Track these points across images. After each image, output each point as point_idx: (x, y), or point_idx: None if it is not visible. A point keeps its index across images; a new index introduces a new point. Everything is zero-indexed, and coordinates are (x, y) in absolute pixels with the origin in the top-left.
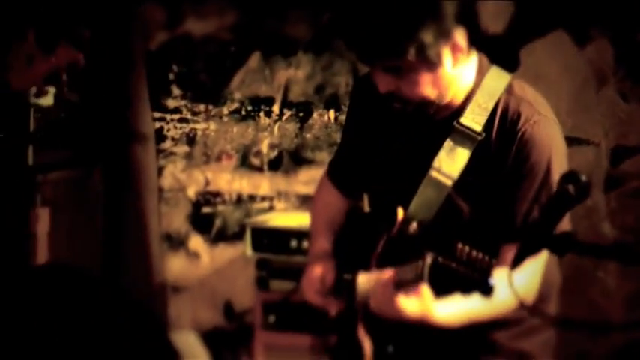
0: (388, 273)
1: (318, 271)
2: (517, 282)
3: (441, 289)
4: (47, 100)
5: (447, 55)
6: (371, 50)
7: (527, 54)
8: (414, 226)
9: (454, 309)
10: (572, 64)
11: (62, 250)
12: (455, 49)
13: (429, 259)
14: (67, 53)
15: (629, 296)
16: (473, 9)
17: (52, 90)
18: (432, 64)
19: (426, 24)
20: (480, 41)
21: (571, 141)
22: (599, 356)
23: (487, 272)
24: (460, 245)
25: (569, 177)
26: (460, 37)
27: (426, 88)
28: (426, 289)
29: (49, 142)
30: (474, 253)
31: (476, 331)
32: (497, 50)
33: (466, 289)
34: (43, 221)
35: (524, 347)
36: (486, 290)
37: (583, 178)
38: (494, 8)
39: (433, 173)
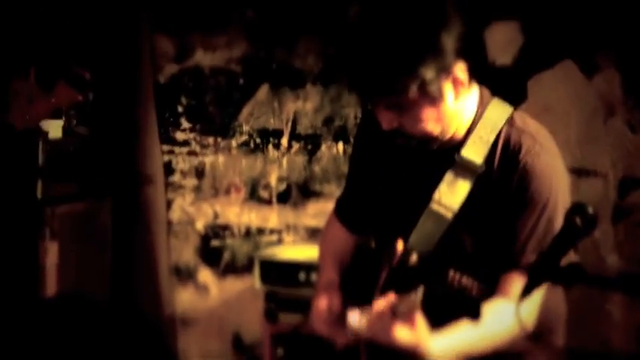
0: (386, 301)
1: (324, 302)
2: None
3: (434, 318)
4: (56, 133)
5: (448, 89)
6: (372, 88)
7: (535, 85)
8: (413, 257)
9: (451, 341)
10: (581, 95)
11: (70, 282)
12: (456, 83)
13: (420, 289)
14: (67, 93)
15: (636, 328)
16: (475, 42)
17: (60, 123)
18: (433, 99)
19: (426, 60)
20: (487, 73)
21: (579, 172)
22: None
23: (475, 298)
24: (452, 273)
25: (577, 209)
26: (461, 71)
27: (429, 123)
28: (420, 320)
29: (57, 175)
30: (464, 279)
31: None
32: (505, 82)
33: (457, 315)
34: (51, 254)
35: None
36: (475, 316)
37: (590, 210)
38: (502, 40)
39: (433, 205)
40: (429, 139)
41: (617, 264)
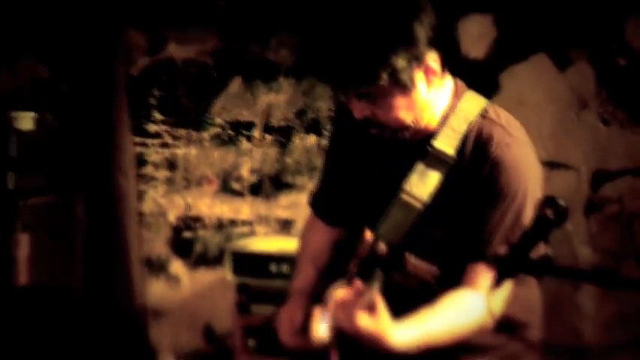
0: (351, 289)
1: (286, 313)
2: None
3: (394, 304)
4: (28, 125)
5: (420, 78)
6: (343, 78)
7: (508, 78)
8: (382, 247)
9: (413, 331)
10: (554, 88)
11: (43, 274)
12: (428, 72)
13: (379, 276)
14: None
15: (608, 320)
16: (448, 33)
17: (32, 115)
18: (405, 88)
19: (397, 49)
20: (460, 66)
21: (552, 165)
22: None
23: (432, 282)
24: (409, 258)
25: (548, 202)
26: (433, 60)
27: (401, 112)
28: (382, 309)
29: (29, 168)
30: (421, 264)
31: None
32: (478, 75)
33: (416, 300)
34: (23, 246)
35: None
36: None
37: (562, 202)
38: (475, 32)
39: (403, 196)
40: (401, 128)
41: (590, 256)
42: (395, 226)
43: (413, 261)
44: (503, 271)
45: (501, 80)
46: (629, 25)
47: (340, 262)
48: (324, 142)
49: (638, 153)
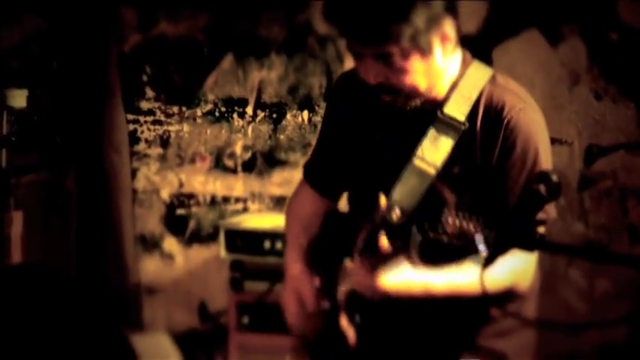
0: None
1: (294, 300)
2: (513, 265)
3: (432, 262)
4: (20, 103)
5: (437, 44)
6: (365, 35)
7: (501, 53)
8: (397, 212)
9: (438, 278)
10: (546, 64)
11: (36, 252)
12: (444, 38)
13: (418, 236)
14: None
15: (601, 295)
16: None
17: (25, 92)
18: (423, 51)
19: (417, 6)
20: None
21: None
22: (576, 357)
23: (474, 240)
24: (446, 218)
25: (541, 177)
26: (449, 27)
27: (417, 76)
28: (404, 263)
29: (22, 145)
30: (461, 223)
31: (452, 328)
32: (470, 50)
33: (457, 258)
34: (16, 224)
35: (501, 348)
36: (476, 255)
37: (554, 178)
38: (467, 8)
39: (416, 161)
40: (414, 94)
41: (583, 231)
42: (409, 191)
43: (448, 220)
44: (497, 247)
45: (493, 56)
46: (621, 0)
47: (344, 236)
48: (317, 118)
49: (630, 127)
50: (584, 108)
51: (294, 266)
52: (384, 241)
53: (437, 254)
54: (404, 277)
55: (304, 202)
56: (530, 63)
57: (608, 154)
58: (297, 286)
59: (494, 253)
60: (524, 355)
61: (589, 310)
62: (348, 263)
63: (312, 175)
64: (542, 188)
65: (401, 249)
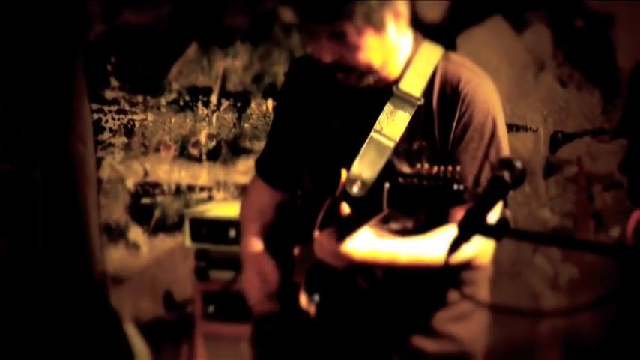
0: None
1: (256, 278)
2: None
3: (408, 209)
4: None
5: (390, 20)
6: (319, 13)
7: (465, 41)
8: (358, 184)
9: (399, 244)
10: (511, 50)
11: (1, 243)
12: (397, 15)
13: (387, 185)
14: None
15: (567, 282)
16: None
17: None
18: (376, 28)
19: None
20: (416, 28)
21: (510, 127)
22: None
23: (451, 180)
24: (419, 165)
25: (505, 164)
26: (401, 4)
27: (371, 53)
28: (368, 231)
29: None
30: (434, 168)
31: (410, 310)
32: (434, 38)
33: (434, 201)
34: None
35: (457, 331)
36: (456, 198)
37: (518, 164)
38: None
39: (375, 135)
40: (368, 71)
41: (549, 218)
42: (368, 164)
43: (421, 166)
44: (461, 234)
45: (458, 43)
46: None
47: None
48: None
49: (595, 114)
50: (549, 95)
51: (255, 247)
52: (345, 208)
53: (407, 202)
54: (368, 243)
55: (259, 195)
56: (495, 50)
57: (573, 141)
58: (260, 265)
59: (460, 240)
60: (479, 340)
61: (555, 297)
62: (305, 245)
63: (264, 171)
64: (506, 175)
65: (364, 216)
